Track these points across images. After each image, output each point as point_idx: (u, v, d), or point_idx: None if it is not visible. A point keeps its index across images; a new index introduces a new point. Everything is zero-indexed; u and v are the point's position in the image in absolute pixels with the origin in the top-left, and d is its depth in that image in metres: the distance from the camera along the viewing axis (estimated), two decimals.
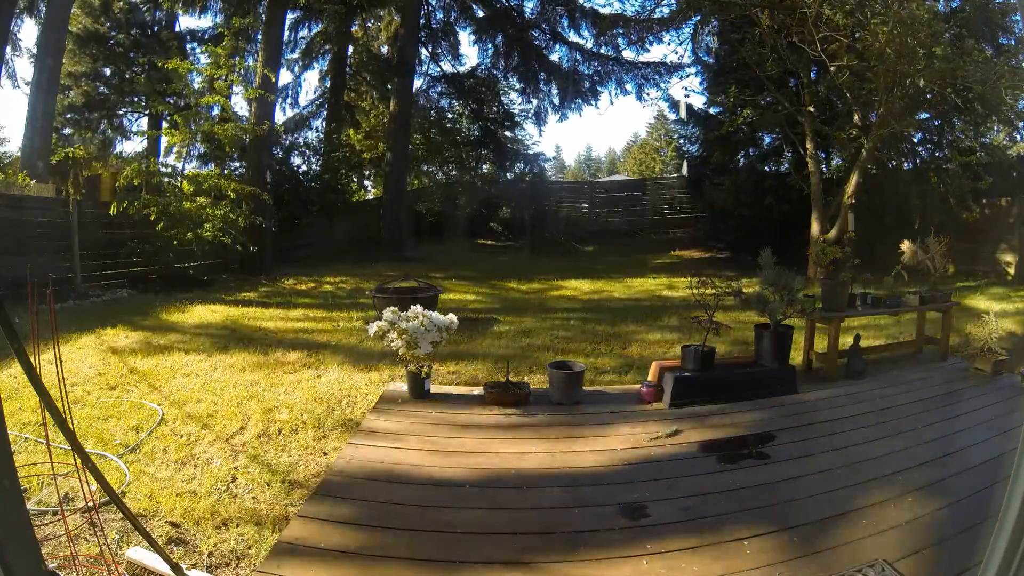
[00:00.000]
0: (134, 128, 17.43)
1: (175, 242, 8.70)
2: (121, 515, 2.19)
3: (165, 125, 11.63)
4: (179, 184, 9.31)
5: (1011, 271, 9.71)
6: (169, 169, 9.67)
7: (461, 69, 18.27)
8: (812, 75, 10.91)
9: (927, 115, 10.89)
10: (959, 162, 9.97)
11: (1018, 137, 11.30)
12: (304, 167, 15.55)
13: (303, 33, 16.68)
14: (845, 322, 4.32)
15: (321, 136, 16.86)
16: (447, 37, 17.95)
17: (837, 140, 11.20)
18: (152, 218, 8.44)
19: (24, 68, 16.53)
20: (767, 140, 13.45)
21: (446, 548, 2.05)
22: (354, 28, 17.32)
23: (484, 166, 19.17)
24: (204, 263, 9.93)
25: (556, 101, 17.91)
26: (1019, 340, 5.32)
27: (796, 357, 4.25)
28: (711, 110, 14.54)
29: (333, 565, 1.92)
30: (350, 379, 4.10)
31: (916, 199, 10.16)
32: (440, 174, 19.24)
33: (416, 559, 2.00)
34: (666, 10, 14.29)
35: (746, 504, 2.35)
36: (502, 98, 18.81)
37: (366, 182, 19.88)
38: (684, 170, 18.75)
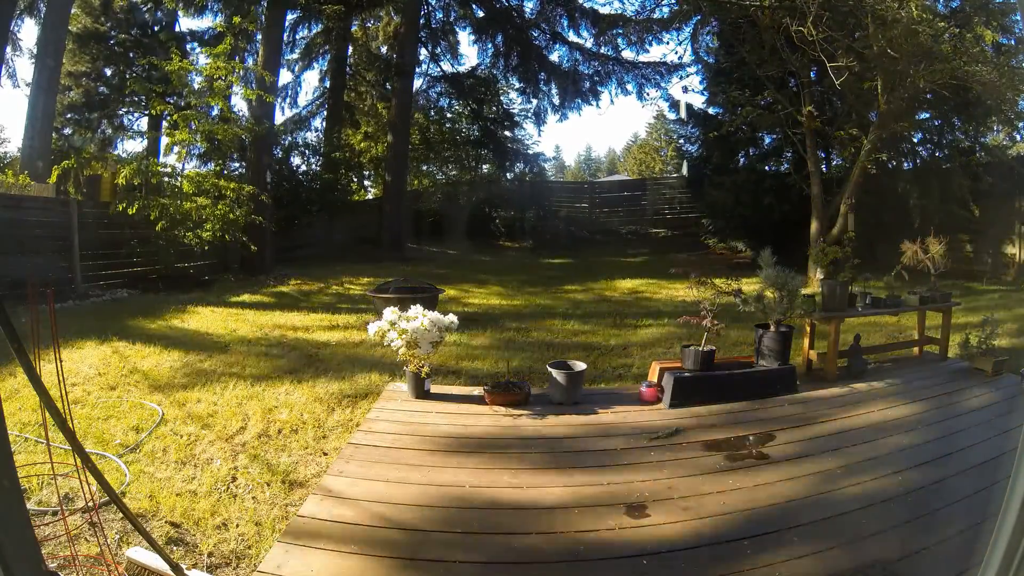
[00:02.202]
0: (134, 128, 17.43)
1: (177, 240, 8.70)
2: (121, 515, 2.19)
3: (165, 125, 11.60)
4: (179, 184, 9.31)
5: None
6: (169, 169, 9.64)
7: (461, 69, 18.31)
8: (812, 75, 10.91)
9: (927, 115, 10.91)
10: (959, 162, 9.97)
11: (1018, 137, 11.31)
12: (304, 167, 15.58)
13: (303, 33, 16.66)
14: (845, 322, 4.32)
15: (321, 136, 16.86)
16: (447, 37, 17.95)
17: (837, 140, 11.20)
18: (152, 218, 8.45)
19: (24, 68, 16.55)
20: (767, 140, 13.47)
21: (446, 548, 2.05)
22: (353, 28, 17.31)
23: (484, 166, 19.17)
24: (204, 263, 9.93)
25: (556, 101, 17.93)
26: (1020, 340, 5.32)
27: (796, 357, 4.25)
28: (711, 110, 14.58)
29: (333, 565, 1.92)
30: (350, 379, 4.10)
31: (916, 199, 10.16)
32: (440, 174, 19.25)
33: (417, 559, 2.00)
34: (666, 10, 14.33)
35: (746, 504, 2.35)
36: (502, 98, 18.84)
37: (366, 182, 19.88)
38: (684, 170, 18.76)
